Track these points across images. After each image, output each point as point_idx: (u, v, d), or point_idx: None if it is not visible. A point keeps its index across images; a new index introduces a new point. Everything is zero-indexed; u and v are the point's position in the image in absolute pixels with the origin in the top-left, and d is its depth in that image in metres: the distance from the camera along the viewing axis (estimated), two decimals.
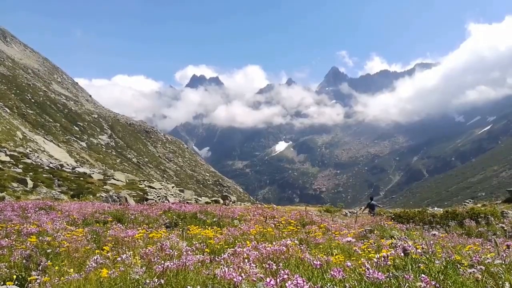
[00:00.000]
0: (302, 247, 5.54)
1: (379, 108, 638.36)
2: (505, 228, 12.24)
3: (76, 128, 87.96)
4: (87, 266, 4.59)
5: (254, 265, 4.12)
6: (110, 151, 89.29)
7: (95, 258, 4.77)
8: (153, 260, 4.54)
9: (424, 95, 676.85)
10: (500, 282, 3.60)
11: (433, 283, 3.19)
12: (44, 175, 30.97)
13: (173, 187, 44.37)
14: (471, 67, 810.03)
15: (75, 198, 24.74)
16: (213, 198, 37.65)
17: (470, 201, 43.15)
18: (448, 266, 4.15)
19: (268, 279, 2.85)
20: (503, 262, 3.98)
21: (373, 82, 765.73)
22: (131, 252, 5.17)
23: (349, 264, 3.85)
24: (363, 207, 28.11)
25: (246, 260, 4.37)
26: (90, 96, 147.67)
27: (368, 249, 6.21)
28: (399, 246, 4.26)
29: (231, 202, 32.99)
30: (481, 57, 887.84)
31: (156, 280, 3.77)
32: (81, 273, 4.44)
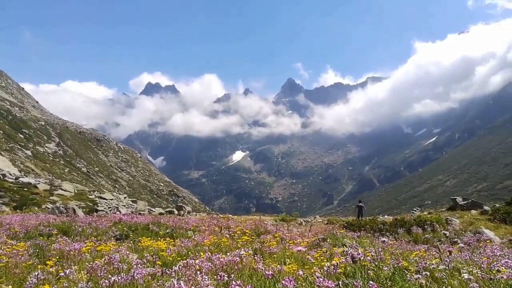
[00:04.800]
0: (256, 257, 5.52)
1: (333, 118, 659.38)
2: (447, 235, 12.97)
3: (21, 135, 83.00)
4: (28, 283, 4.30)
5: (206, 277, 4.04)
6: (57, 160, 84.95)
7: (36, 273, 4.49)
8: (100, 275, 4.33)
9: (375, 107, 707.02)
10: (444, 287, 3.78)
11: None
12: None
13: (125, 197, 42.90)
14: (418, 82, 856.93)
15: (18, 210, 23.25)
16: (167, 209, 36.83)
17: (417, 209, 45.25)
18: (396, 273, 4.30)
19: None
20: (447, 268, 4.18)
21: (327, 94, 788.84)
22: (76, 267, 4.91)
23: (301, 273, 3.88)
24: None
25: (199, 272, 4.28)
26: (37, 102, 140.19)
27: (321, 258, 6.31)
28: (349, 254, 4.36)
29: (186, 213, 32.42)
30: (426, 72, 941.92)
31: None
32: None
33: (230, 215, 26.43)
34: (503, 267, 3.95)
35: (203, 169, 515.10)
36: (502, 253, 6.63)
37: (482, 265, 4.81)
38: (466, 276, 3.63)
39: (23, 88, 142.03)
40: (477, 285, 3.35)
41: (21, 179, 36.16)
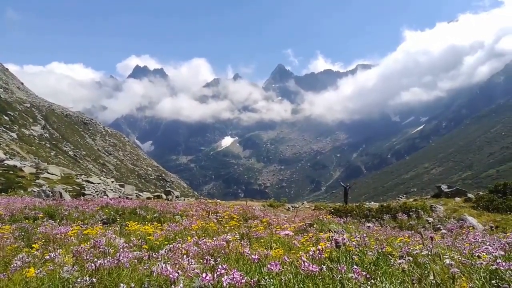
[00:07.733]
0: (243, 242, 5.56)
1: (323, 105, 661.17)
2: (430, 221, 13.24)
3: (6, 117, 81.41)
4: (13, 265, 4.26)
5: (193, 261, 4.06)
6: (44, 143, 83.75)
7: (22, 256, 4.45)
8: (85, 258, 4.32)
9: (365, 94, 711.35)
10: (426, 272, 3.86)
11: (364, 274, 3.34)
12: None
13: (112, 181, 42.60)
14: (406, 70, 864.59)
15: (3, 193, 22.94)
16: (155, 194, 36.73)
17: (403, 196, 45.90)
18: (380, 258, 4.39)
19: (204, 275, 2.81)
20: (429, 253, 4.28)
21: (317, 81, 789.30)
22: (62, 250, 4.88)
23: (286, 257, 3.92)
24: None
25: (185, 256, 4.30)
26: (22, 83, 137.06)
27: (307, 243, 6.39)
28: (333, 239, 4.42)
29: (174, 198, 32.40)
30: (415, 60, 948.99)
31: (87, 278, 3.58)
32: (5, 273, 4.11)
33: (218, 200, 26.53)
34: (484, 253, 4.06)
35: (192, 154, 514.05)
36: (484, 239, 6.80)
37: (464, 251, 4.94)
38: (448, 261, 3.72)
39: (7, 69, 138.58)
40: (458, 270, 3.44)
41: (6, 161, 35.61)
